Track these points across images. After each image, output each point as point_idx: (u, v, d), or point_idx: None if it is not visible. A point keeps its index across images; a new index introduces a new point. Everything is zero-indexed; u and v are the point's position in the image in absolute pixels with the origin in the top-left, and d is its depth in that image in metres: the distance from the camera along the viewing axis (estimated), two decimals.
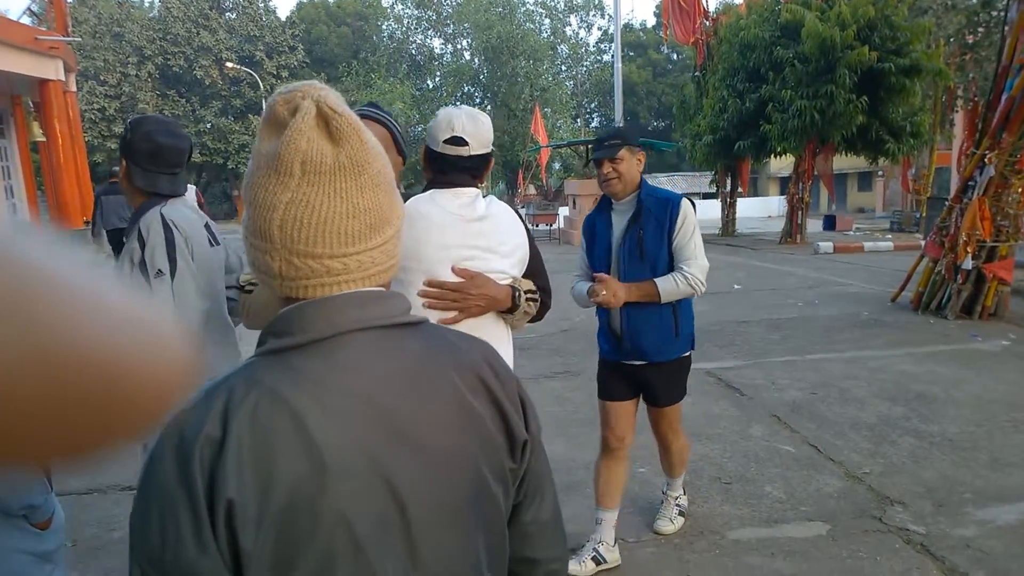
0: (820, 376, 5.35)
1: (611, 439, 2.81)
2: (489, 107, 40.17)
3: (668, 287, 2.54)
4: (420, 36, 40.40)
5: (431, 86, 39.70)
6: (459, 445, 0.80)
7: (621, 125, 3.71)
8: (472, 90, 40.06)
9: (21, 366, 0.25)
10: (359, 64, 36.22)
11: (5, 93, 15.66)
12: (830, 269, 11.61)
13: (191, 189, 11.35)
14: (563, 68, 41.37)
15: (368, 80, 34.77)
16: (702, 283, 2.57)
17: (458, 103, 32.55)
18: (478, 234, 1.74)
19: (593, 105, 46.09)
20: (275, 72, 36.16)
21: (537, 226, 17.38)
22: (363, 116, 1.84)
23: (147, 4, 37.73)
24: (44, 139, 15.06)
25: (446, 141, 1.77)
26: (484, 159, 1.81)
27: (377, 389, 0.77)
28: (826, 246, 14.26)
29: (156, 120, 2.16)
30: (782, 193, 18.95)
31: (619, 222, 2.69)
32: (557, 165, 37.93)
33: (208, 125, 35.84)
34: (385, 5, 40.89)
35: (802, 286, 9.80)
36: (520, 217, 1.89)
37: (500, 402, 0.84)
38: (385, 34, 40.35)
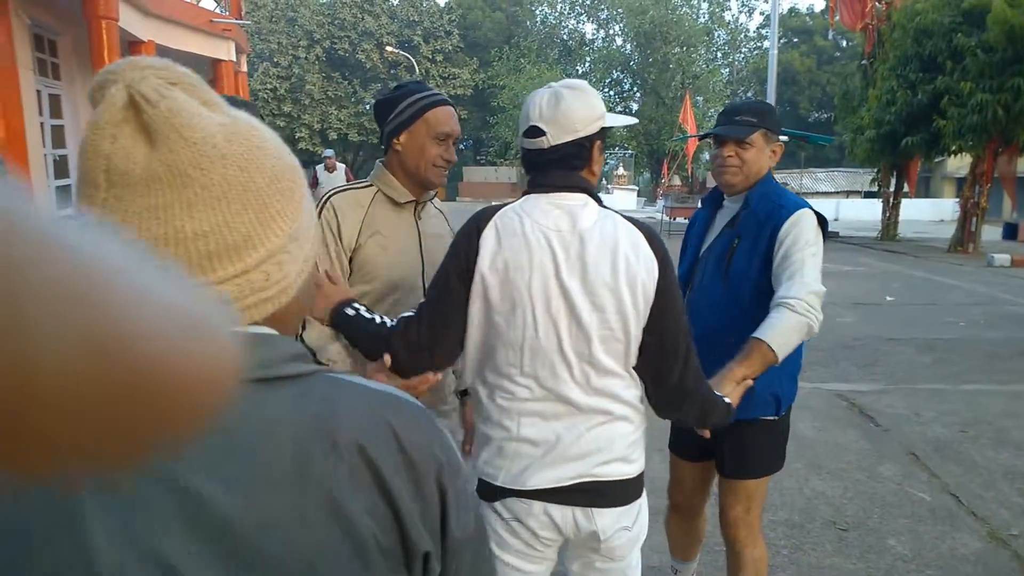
0: (974, 411, 4.68)
1: (675, 494, 2.39)
2: (639, 94, 39.36)
3: (779, 335, 1.71)
4: (573, 21, 40.19)
5: (581, 72, 39.44)
6: (301, 550, 0.58)
7: (761, 101, 2.91)
8: (622, 76, 39.38)
9: (73, 360, 0.24)
10: (510, 49, 36.57)
11: None
12: (1004, 285, 10.26)
13: (340, 168, 11.51)
14: (719, 55, 39.64)
15: (518, 65, 35.05)
16: (816, 311, 1.76)
17: (607, 89, 31.87)
18: (578, 259, 1.39)
19: (750, 94, 43.87)
20: (430, 56, 37.36)
21: (674, 219, 16.61)
22: (440, 102, 1.78)
23: None
24: None
25: (524, 134, 1.46)
26: (578, 147, 1.43)
27: (192, 470, 0.56)
28: (1002, 258, 12.64)
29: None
30: (959, 195, 17.08)
31: (719, 224, 2.12)
32: (705, 156, 36.57)
33: (366, 106, 37.67)
34: None
35: (967, 302, 8.72)
36: (653, 240, 1.43)
37: (392, 495, 0.61)
38: (538, 19, 40.49)
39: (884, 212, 17.73)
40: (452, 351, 1.45)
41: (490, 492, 1.47)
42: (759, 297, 1.92)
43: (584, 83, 1.48)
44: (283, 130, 35.43)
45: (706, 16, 38.71)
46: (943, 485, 3.58)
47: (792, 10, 44.76)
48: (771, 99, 15.53)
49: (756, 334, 1.72)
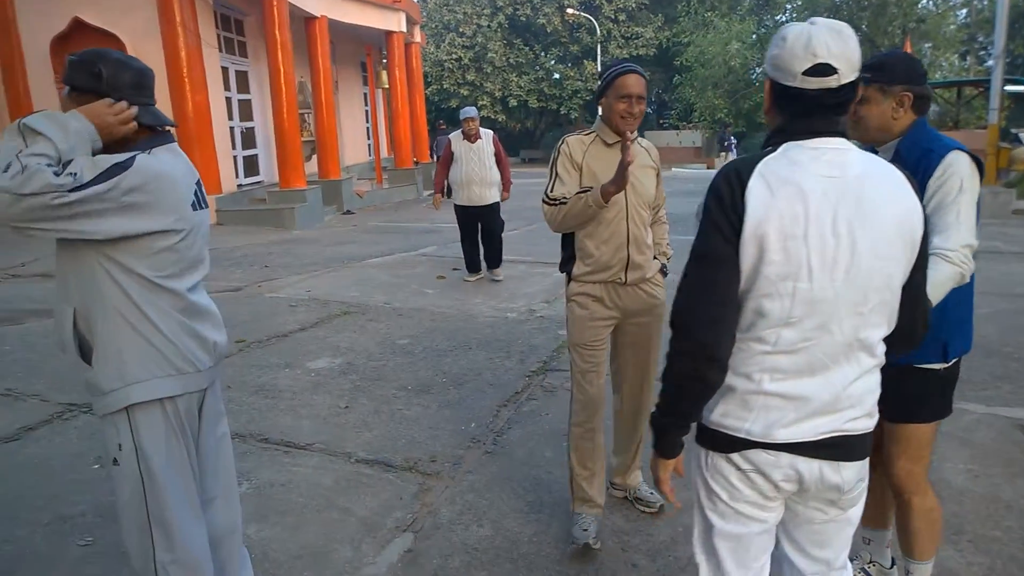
0: None
1: None
2: None
3: (932, 288, 1.71)
4: None
5: (782, 20, 36.08)
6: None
7: (888, 53, 2.23)
8: None
9: None
10: (698, 3, 34.29)
11: (362, 44, 17.96)
12: None
13: (487, 135, 7.23)
14: None
15: (706, 20, 32.81)
16: (970, 263, 1.91)
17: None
18: (858, 205, 1.38)
19: (992, 39, 37.63)
20: (613, 16, 36.12)
21: None
22: (626, 72, 2.59)
23: None
24: (387, 86, 16.90)
25: (807, 72, 1.39)
26: (854, 88, 1.43)
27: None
28: None
29: (110, 49, 1.84)
30: None
31: None
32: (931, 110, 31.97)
33: (546, 72, 37.46)
34: None
35: None
36: (914, 184, 1.47)
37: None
38: None
39: None
40: (719, 311, 1.43)
41: (728, 443, 1.48)
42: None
43: None
44: (467, 98, 36.32)
45: None
46: None
47: None
48: (998, 42, 13.03)
49: None
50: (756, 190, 1.38)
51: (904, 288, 1.46)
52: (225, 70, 13.02)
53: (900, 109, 2.04)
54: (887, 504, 2.33)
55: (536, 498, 3.11)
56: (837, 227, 1.37)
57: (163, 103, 11.23)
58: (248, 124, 14.08)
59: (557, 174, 2.72)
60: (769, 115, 1.52)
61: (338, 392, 4.36)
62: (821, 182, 1.38)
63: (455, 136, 7.25)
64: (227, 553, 2.10)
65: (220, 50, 12.74)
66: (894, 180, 1.43)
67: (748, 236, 1.38)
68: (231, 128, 13.25)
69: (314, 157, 14.71)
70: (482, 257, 7.54)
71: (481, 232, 7.40)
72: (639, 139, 2.77)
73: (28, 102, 11.45)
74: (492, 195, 7.23)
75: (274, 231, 11.39)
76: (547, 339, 5.42)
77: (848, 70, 1.39)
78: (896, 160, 1.93)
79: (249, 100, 14.14)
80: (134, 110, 1.78)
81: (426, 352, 5.14)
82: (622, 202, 2.67)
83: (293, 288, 7.31)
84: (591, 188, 2.62)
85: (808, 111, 1.42)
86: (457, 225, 7.50)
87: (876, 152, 2.08)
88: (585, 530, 2.72)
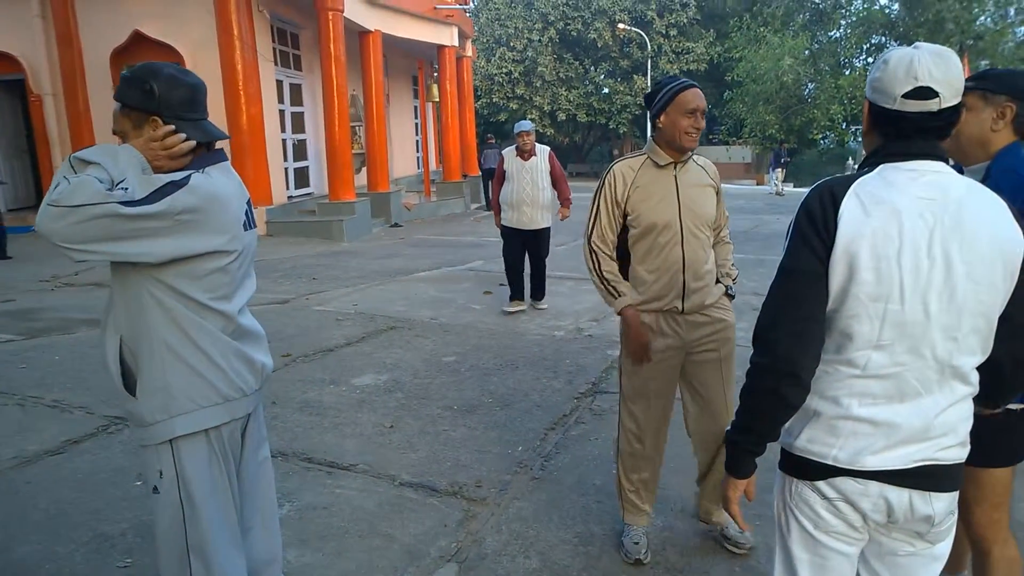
0: None
1: None
2: None
3: None
4: None
5: (834, 37, 35.34)
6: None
7: (997, 68, 2.49)
8: (883, 40, 34.61)
9: None
10: (751, 18, 33.81)
11: (414, 58, 18.12)
12: None
13: (543, 151, 6.68)
14: (1011, 11, 33.14)
15: (758, 35, 32.33)
16: None
17: (864, 55, 28.49)
18: (956, 228, 1.35)
19: None
20: (664, 31, 35.89)
21: None
22: (687, 87, 2.52)
23: None
24: (438, 100, 16.99)
25: (907, 95, 1.39)
26: (956, 113, 1.42)
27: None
28: None
29: (164, 64, 1.78)
30: None
31: None
32: None
33: (595, 87, 37.38)
34: None
35: None
36: (1012, 210, 1.42)
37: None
38: None
39: None
40: (803, 327, 1.40)
41: (814, 470, 1.45)
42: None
43: None
44: (516, 112, 36.46)
45: None
46: None
47: None
48: None
49: None
50: (850, 209, 1.38)
51: (1001, 320, 1.41)
52: (280, 83, 13.24)
53: (1000, 122, 1.97)
54: (963, 546, 2.22)
55: (585, 529, 2.96)
56: (932, 249, 1.35)
57: (218, 115, 11.44)
58: (300, 136, 14.28)
59: (598, 209, 2.67)
60: (867, 138, 1.51)
61: (383, 410, 4.27)
62: (918, 203, 1.37)
63: (508, 152, 6.72)
64: None
65: (276, 63, 12.96)
66: (995, 206, 1.40)
67: (839, 254, 1.37)
68: (283, 140, 13.44)
69: (364, 169, 14.84)
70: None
71: (527, 258, 6.84)
72: (695, 157, 2.72)
73: (88, 115, 11.81)
74: (544, 219, 6.65)
75: (323, 243, 11.47)
76: (596, 359, 5.25)
77: (950, 94, 1.38)
78: (986, 185, 1.79)
79: (302, 113, 14.35)
80: (186, 146, 1.71)
81: (472, 371, 5.03)
82: (676, 225, 2.60)
83: (340, 301, 7.30)
84: (624, 295, 2.65)
85: (907, 134, 1.42)
86: (501, 241, 6.94)
87: (962, 174, 1.97)
88: (636, 543, 2.75)
